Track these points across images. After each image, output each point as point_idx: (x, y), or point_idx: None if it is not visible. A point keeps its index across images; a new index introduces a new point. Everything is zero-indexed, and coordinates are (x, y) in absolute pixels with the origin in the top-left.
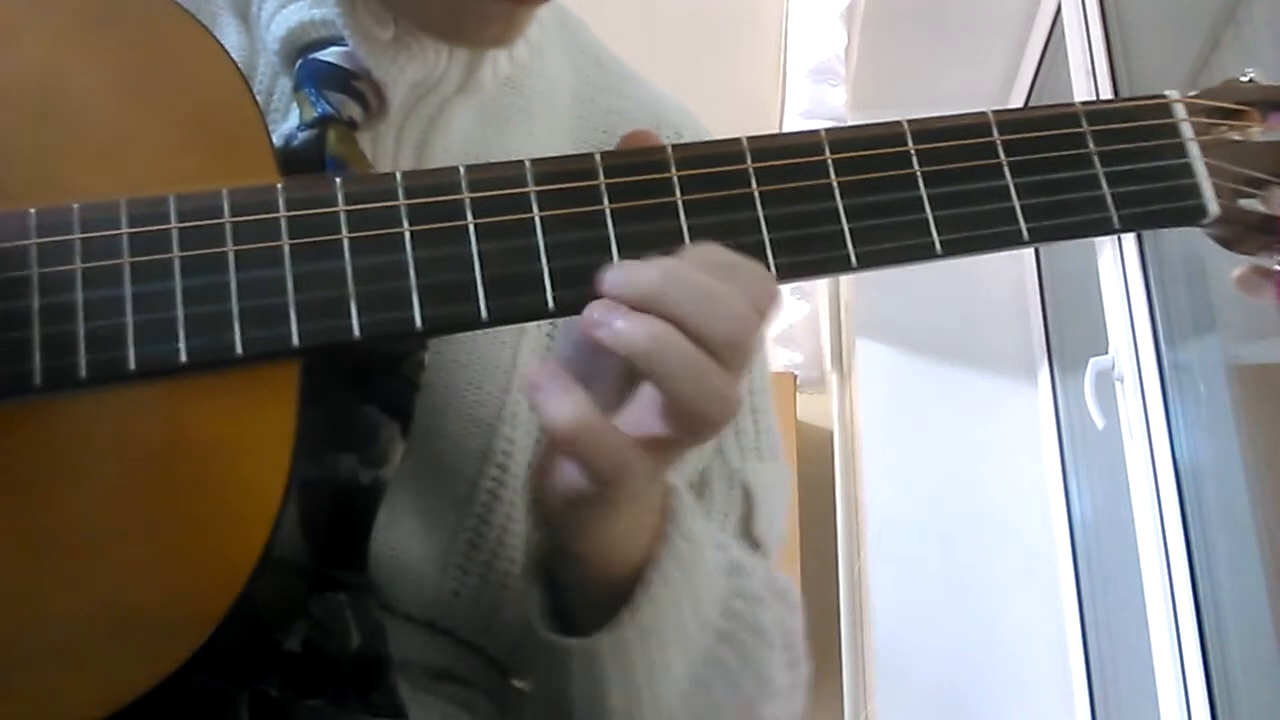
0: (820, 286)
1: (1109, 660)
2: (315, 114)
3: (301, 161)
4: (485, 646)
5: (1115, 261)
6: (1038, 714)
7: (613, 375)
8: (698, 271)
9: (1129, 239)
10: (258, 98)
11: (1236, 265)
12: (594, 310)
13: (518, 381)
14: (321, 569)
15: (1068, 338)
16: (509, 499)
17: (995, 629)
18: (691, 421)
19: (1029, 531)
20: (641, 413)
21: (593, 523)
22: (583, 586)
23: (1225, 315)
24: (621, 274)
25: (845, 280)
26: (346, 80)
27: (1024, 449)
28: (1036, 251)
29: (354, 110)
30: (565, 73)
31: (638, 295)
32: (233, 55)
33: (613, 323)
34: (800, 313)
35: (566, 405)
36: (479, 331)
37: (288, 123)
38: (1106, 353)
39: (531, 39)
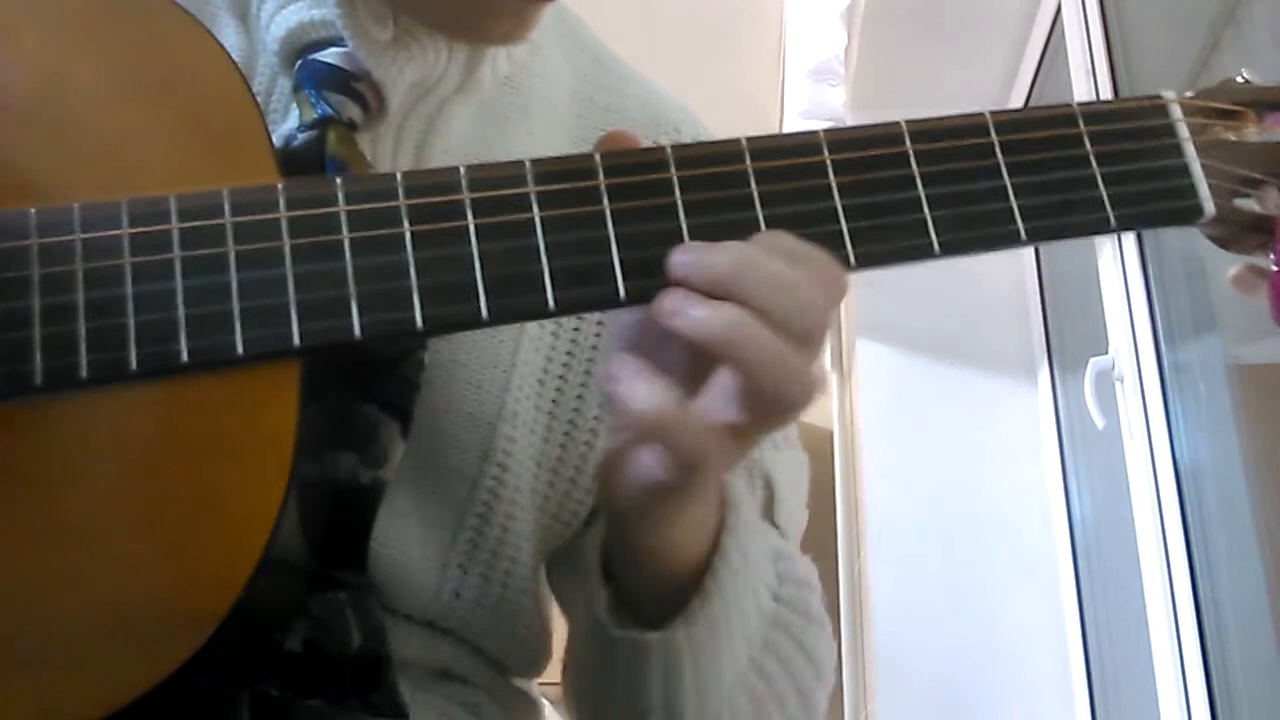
0: None
1: (1109, 660)
2: (315, 115)
3: (301, 162)
4: (485, 647)
5: (1115, 261)
6: (1038, 714)
7: (678, 364)
8: (768, 257)
9: (1129, 239)
10: (257, 98)
11: (1235, 265)
12: (668, 299)
13: (516, 380)
14: (321, 569)
15: (1068, 338)
16: (509, 498)
17: (995, 629)
18: (771, 406)
19: (1029, 531)
20: (715, 400)
21: (669, 513)
22: (644, 583)
23: (1225, 315)
24: (693, 257)
25: None
26: (346, 81)
27: (1024, 449)
28: (1036, 251)
29: (354, 111)
30: (564, 71)
31: (711, 280)
32: (232, 56)
33: (690, 311)
34: None
35: (649, 393)
36: (477, 332)
37: (287, 123)
38: (1106, 353)
39: (530, 38)
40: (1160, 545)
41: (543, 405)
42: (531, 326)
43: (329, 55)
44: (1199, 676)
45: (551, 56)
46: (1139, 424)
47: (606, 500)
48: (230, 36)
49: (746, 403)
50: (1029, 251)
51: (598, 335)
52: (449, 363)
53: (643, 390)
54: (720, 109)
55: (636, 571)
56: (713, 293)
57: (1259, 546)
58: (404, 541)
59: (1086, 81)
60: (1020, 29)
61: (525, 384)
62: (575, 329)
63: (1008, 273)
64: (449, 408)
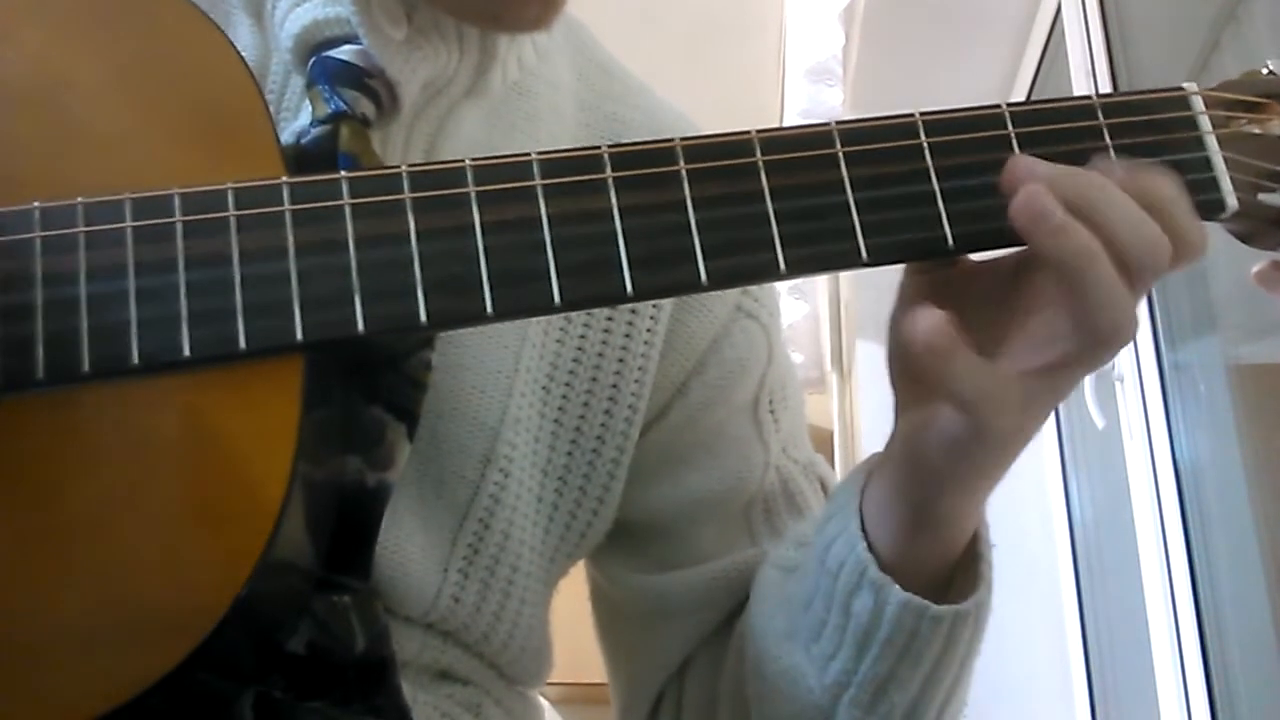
0: (820, 287)
1: (1109, 660)
2: (329, 110)
3: (314, 158)
4: (485, 652)
5: None
6: (1038, 714)
7: (972, 322)
8: (1128, 196)
9: None
10: (270, 97)
11: (1240, 264)
12: (1033, 199)
13: (519, 385)
14: (326, 574)
15: None
16: (511, 504)
17: (995, 629)
18: (1092, 341)
19: (1029, 531)
20: (1019, 348)
21: (971, 472)
22: (925, 559)
23: (1225, 315)
24: (1058, 170)
25: (845, 280)
26: (360, 78)
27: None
28: None
29: (367, 108)
30: (570, 79)
31: (1073, 196)
32: (245, 54)
33: (1053, 217)
34: (800, 313)
35: (921, 321)
36: (482, 336)
37: (299, 121)
38: None
39: (539, 44)
40: (1160, 545)
41: (548, 413)
42: (535, 332)
43: (343, 52)
44: (1199, 676)
45: (559, 64)
46: (1139, 424)
47: (910, 467)
48: (244, 35)
49: (1064, 336)
50: None
51: (604, 342)
52: (454, 366)
53: (917, 318)
54: (720, 108)
55: (925, 548)
56: (1068, 208)
57: (1259, 546)
58: (405, 544)
59: (1086, 81)
60: (1020, 29)
61: (529, 390)
62: (581, 336)
63: None
64: (452, 412)
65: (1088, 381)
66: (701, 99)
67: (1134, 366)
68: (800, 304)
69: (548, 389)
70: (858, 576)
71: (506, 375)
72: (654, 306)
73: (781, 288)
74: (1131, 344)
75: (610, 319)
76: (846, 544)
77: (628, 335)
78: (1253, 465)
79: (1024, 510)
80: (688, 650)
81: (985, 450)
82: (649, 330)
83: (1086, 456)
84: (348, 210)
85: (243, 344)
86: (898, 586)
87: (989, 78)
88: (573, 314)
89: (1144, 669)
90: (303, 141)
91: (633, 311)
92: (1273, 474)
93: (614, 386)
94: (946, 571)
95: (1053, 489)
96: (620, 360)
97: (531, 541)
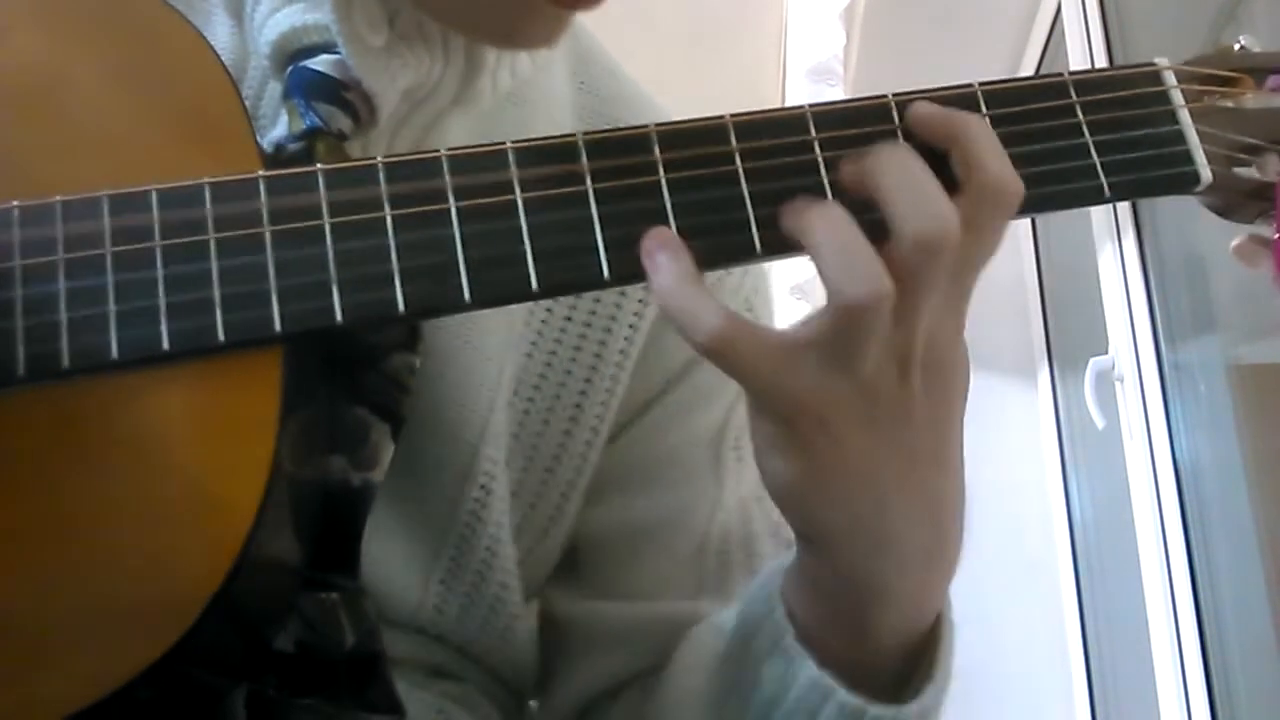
0: (819, 286)
1: (1109, 660)
2: (304, 126)
3: None
4: (477, 655)
5: (1115, 261)
6: (1038, 714)
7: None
8: (920, 162)
9: (1129, 237)
10: (247, 101)
11: (1239, 264)
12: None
13: (501, 400)
14: (313, 573)
15: (1068, 338)
16: (494, 520)
17: (995, 629)
18: (841, 312)
19: (1029, 531)
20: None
21: (804, 487)
22: (831, 651)
23: (1225, 315)
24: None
25: None
26: (336, 91)
27: (1024, 449)
28: (1036, 250)
29: (343, 123)
30: (569, 89)
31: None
32: (223, 55)
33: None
34: (800, 312)
35: (706, 317)
36: (466, 348)
37: (276, 131)
38: (1106, 353)
39: (537, 54)
40: (1160, 545)
41: (510, 428)
42: (515, 348)
43: (319, 63)
44: (1199, 676)
45: (557, 74)
46: (1139, 424)
47: (795, 531)
48: (223, 36)
49: (826, 318)
50: (1029, 250)
51: (573, 360)
52: (436, 379)
53: (701, 315)
54: (721, 108)
55: (829, 622)
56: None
57: (1259, 546)
58: (387, 554)
59: None
60: (1020, 29)
61: (504, 405)
62: (551, 352)
63: (1007, 272)
64: (434, 426)
65: (1088, 381)
66: (701, 99)
67: (1134, 366)
68: (800, 304)
69: (512, 404)
70: (770, 642)
71: (489, 389)
72: (630, 327)
73: (781, 287)
74: (1131, 344)
75: (583, 336)
76: (766, 604)
77: (598, 355)
78: (1253, 465)
79: (1024, 510)
80: (606, 686)
81: (810, 460)
82: (621, 352)
83: (1086, 456)
84: (324, 202)
85: (221, 336)
86: (811, 661)
87: (989, 77)
88: (545, 329)
89: (1144, 669)
90: (279, 156)
91: (606, 331)
92: (1273, 474)
93: (577, 407)
94: (878, 660)
95: (1053, 489)
96: (587, 380)
97: (517, 557)
